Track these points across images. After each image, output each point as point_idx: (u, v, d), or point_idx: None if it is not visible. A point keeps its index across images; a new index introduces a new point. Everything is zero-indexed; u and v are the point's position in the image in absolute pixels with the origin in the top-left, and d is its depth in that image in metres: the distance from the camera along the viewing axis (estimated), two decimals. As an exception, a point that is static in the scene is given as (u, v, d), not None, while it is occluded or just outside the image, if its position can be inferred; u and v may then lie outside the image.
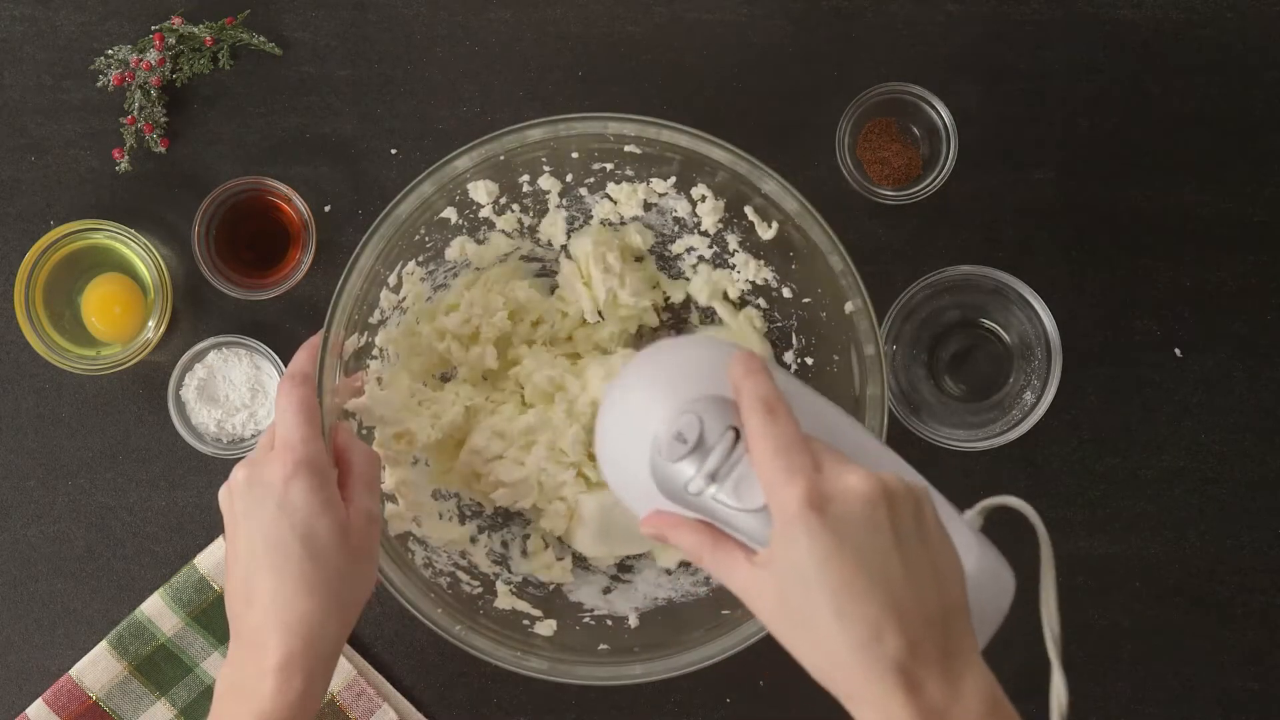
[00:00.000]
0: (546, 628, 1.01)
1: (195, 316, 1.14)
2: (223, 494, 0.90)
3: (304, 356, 0.93)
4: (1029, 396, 1.10)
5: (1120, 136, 1.13)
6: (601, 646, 1.00)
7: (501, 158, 0.97)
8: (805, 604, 0.71)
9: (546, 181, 1.03)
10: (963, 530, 0.80)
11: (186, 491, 1.13)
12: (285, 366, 1.12)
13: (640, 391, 0.81)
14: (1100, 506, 1.13)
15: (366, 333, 1.00)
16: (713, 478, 0.75)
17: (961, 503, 0.88)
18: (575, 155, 1.01)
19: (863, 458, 0.78)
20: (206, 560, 1.12)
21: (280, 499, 0.86)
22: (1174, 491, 1.13)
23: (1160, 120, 1.14)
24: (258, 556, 0.86)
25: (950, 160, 1.10)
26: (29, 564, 1.13)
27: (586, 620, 1.03)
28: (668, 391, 0.79)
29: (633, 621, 1.03)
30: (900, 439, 1.08)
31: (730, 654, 0.96)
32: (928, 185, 1.10)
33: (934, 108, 1.10)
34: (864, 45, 1.13)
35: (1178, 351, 1.13)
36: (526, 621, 1.01)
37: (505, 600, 1.03)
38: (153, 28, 1.12)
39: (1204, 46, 1.14)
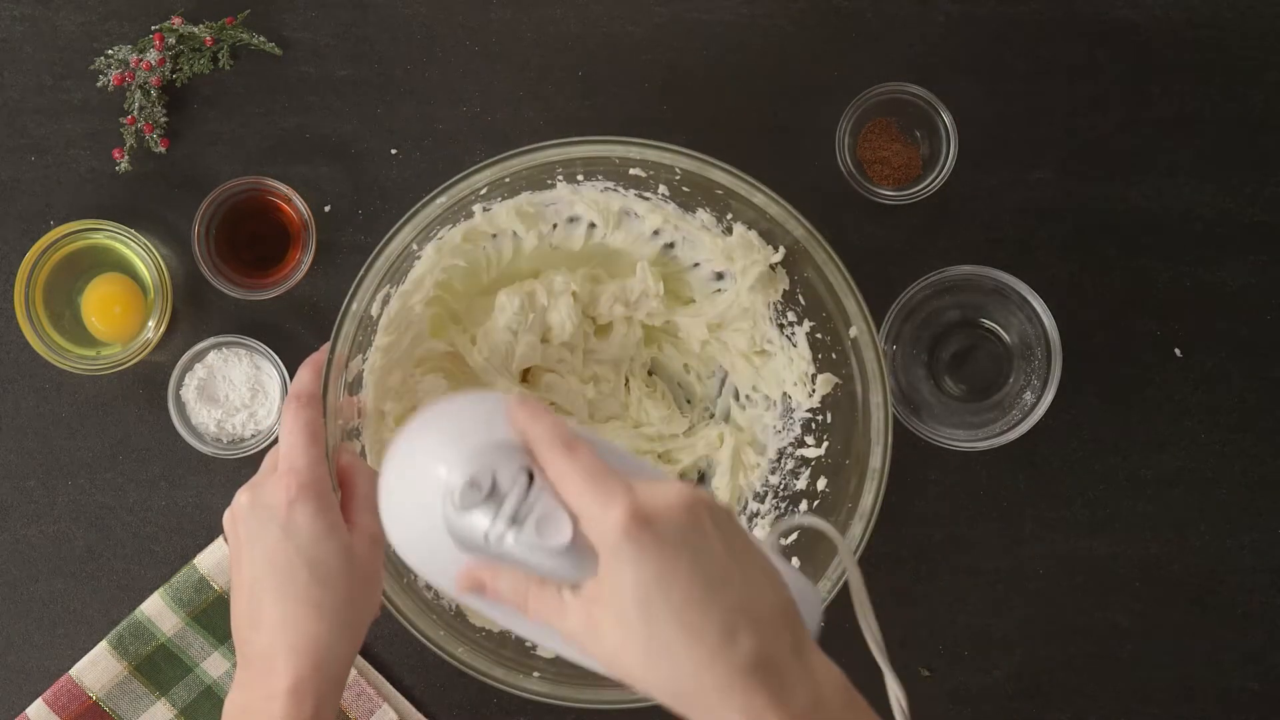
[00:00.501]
0: (548, 650, 1.01)
1: (195, 316, 1.14)
2: (226, 518, 0.90)
3: (307, 376, 0.92)
4: (1029, 396, 1.10)
5: (1120, 136, 1.14)
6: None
7: (507, 179, 0.97)
8: (649, 627, 0.69)
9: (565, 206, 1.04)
10: (766, 551, 0.80)
11: (186, 491, 1.13)
12: (284, 366, 1.12)
13: (422, 450, 0.78)
14: (1100, 506, 1.13)
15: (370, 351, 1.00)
16: (513, 519, 0.73)
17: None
18: (581, 177, 1.01)
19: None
20: (207, 560, 1.12)
21: (284, 522, 0.85)
22: (1174, 491, 1.13)
23: (1160, 120, 1.14)
24: (263, 580, 0.85)
25: (950, 160, 1.10)
26: (29, 564, 1.13)
27: None
28: (450, 444, 0.76)
29: None
30: (900, 439, 1.08)
31: None
32: (928, 185, 1.10)
33: (934, 108, 1.10)
34: (864, 45, 1.13)
35: (1178, 351, 1.13)
36: (529, 644, 1.01)
37: None
38: (153, 28, 1.12)
39: (1204, 46, 1.14)
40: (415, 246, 0.98)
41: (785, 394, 1.07)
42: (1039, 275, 1.10)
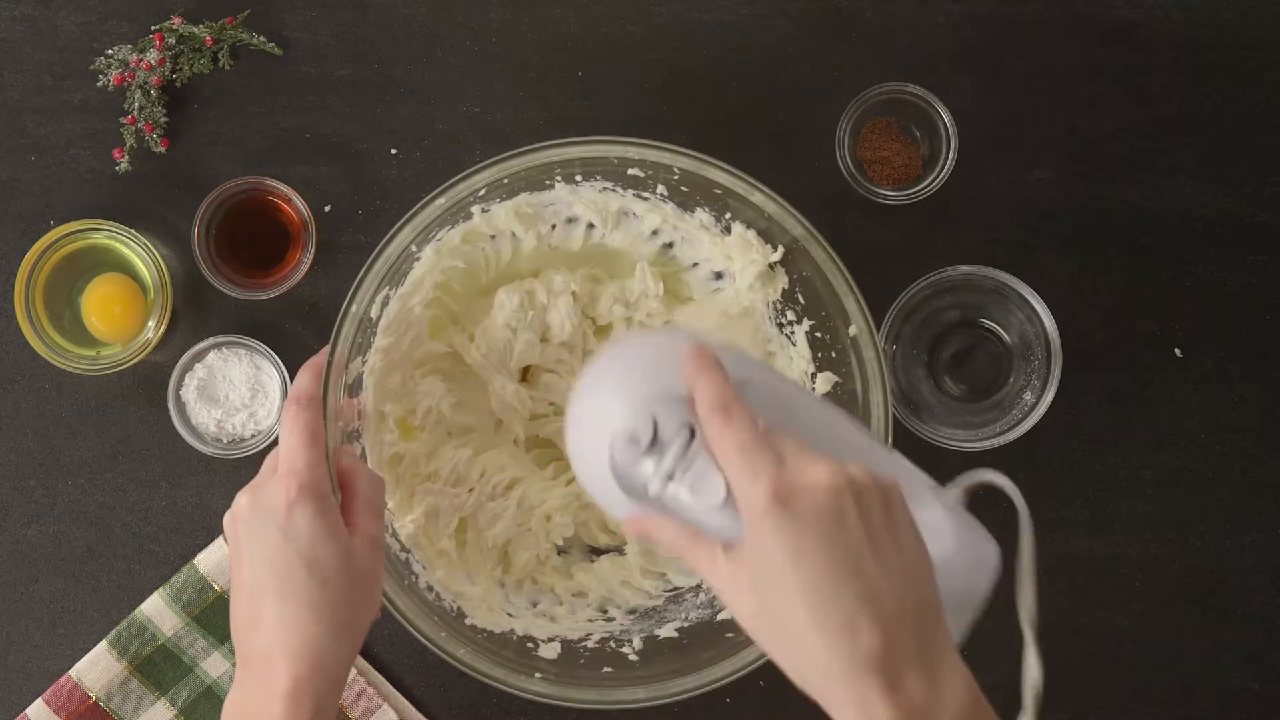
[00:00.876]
0: (550, 650, 1.01)
1: (195, 317, 1.14)
2: (227, 520, 0.90)
3: (307, 378, 0.92)
4: (1029, 396, 1.10)
5: (1120, 136, 1.14)
6: (606, 670, 1.00)
7: (506, 180, 0.97)
8: (779, 602, 0.71)
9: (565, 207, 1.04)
10: (938, 510, 0.80)
11: (186, 491, 1.13)
12: (285, 366, 1.12)
13: (596, 393, 0.81)
14: (1100, 506, 1.13)
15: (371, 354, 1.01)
16: (670, 476, 0.75)
17: (970, 498, 0.89)
18: (579, 178, 1.01)
19: (835, 443, 0.78)
20: (206, 560, 1.12)
21: (284, 525, 0.85)
22: (1174, 491, 1.13)
23: (1160, 120, 1.14)
24: (263, 582, 0.86)
25: (950, 160, 1.10)
26: (29, 564, 1.13)
27: (590, 644, 1.03)
28: (621, 391, 0.79)
29: (637, 645, 1.03)
30: (901, 439, 1.08)
31: (735, 678, 0.97)
32: (928, 185, 1.10)
33: (934, 107, 1.10)
34: (864, 45, 1.13)
35: (1178, 351, 1.13)
36: (530, 645, 1.01)
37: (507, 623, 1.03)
38: (153, 28, 1.12)
39: (1204, 46, 1.14)
40: (414, 248, 0.98)
41: None
42: (1039, 275, 1.10)
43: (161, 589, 1.12)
